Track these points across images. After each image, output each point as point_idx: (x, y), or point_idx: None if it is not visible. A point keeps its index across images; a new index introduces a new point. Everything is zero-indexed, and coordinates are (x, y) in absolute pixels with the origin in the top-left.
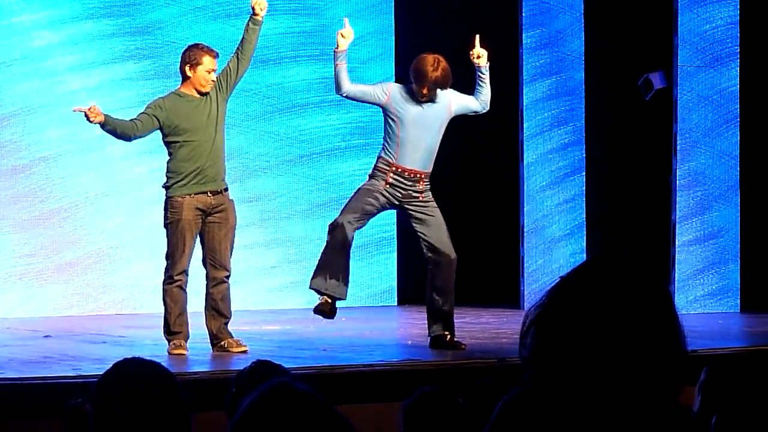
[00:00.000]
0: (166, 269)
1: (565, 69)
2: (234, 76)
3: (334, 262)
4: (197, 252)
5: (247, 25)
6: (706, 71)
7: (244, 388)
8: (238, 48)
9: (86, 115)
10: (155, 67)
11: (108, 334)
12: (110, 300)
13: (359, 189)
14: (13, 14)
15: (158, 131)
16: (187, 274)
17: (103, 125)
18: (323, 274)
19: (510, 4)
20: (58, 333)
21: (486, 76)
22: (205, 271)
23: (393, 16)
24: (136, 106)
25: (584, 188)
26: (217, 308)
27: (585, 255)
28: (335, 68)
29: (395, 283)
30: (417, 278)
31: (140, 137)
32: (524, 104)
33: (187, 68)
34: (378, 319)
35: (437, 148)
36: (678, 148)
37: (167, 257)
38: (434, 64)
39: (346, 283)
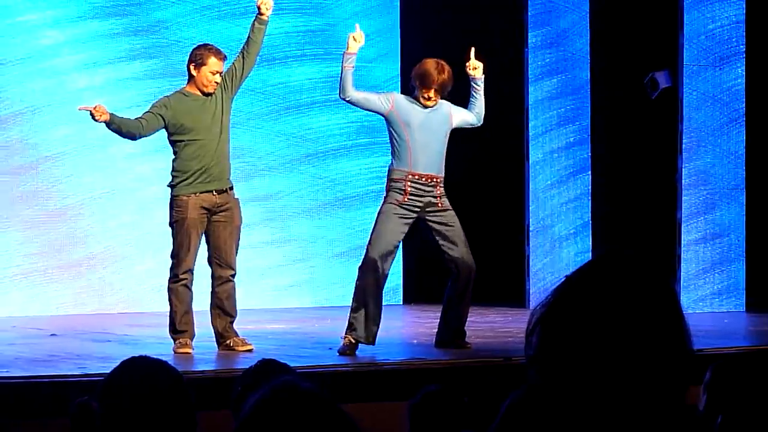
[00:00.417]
0: (172, 268)
1: (570, 68)
2: (239, 75)
3: (368, 314)
4: (203, 251)
5: (253, 24)
6: (712, 70)
7: (249, 387)
8: (243, 47)
9: (92, 114)
10: (161, 66)
11: (113, 333)
12: (116, 299)
13: (380, 213)
14: (19, 13)
15: (164, 130)
16: (192, 273)
17: (108, 124)
18: (357, 324)
19: (515, 3)
20: (64, 331)
21: (481, 88)
22: (210, 270)
23: (399, 16)
24: (141, 105)
25: (589, 187)
26: (223, 307)
27: (590, 254)
28: (342, 70)
29: (401, 282)
30: (422, 277)
31: (146, 136)
32: (529, 103)
33: (192, 67)
34: (383, 318)
35: (445, 154)
36: (683, 147)
37: (172, 256)
38: (438, 67)
39: (376, 330)
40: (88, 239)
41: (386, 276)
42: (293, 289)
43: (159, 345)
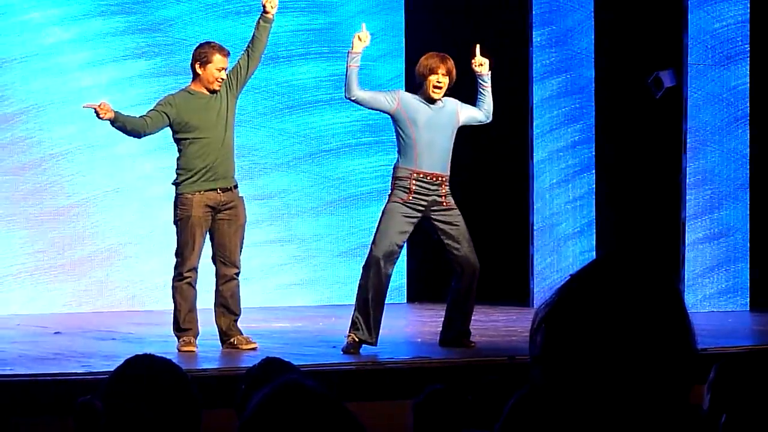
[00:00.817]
0: (176, 266)
1: (575, 67)
2: (244, 73)
3: (370, 313)
4: (207, 249)
5: (258, 22)
6: (717, 69)
7: (253, 386)
8: (248, 46)
9: (96, 112)
10: (166, 65)
11: (118, 331)
12: (120, 297)
13: (385, 212)
14: (24, 11)
15: (168, 128)
16: (196, 271)
17: (113, 122)
18: (360, 324)
19: (520, 1)
20: (68, 330)
21: (488, 85)
22: (214, 268)
23: (403, 14)
24: (146, 103)
25: (594, 186)
26: (227, 305)
27: (594, 253)
28: (347, 69)
29: (404, 281)
30: (426, 276)
31: (150, 134)
32: (534, 102)
33: (197, 66)
34: (387, 317)
35: (451, 152)
36: (688, 146)
37: (177, 254)
38: (441, 56)
39: (378, 329)
40: (93, 237)
41: (390, 275)
42: (297, 287)
43: (163, 343)
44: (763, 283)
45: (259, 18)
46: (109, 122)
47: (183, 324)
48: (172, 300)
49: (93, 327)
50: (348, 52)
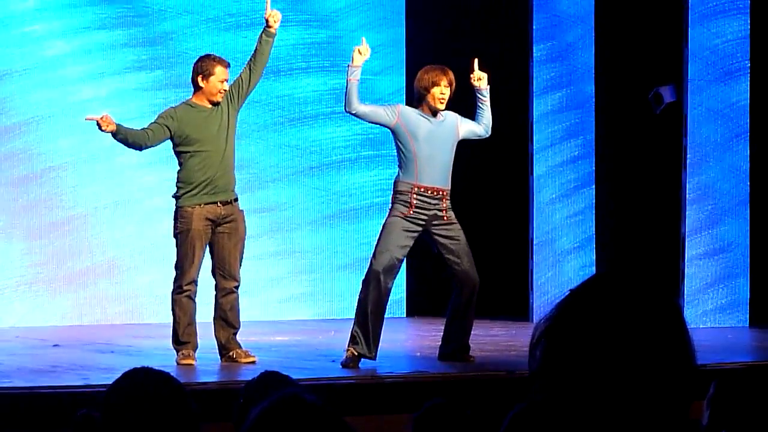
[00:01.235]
0: (176, 279)
1: (575, 82)
2: (246, 87)
3: (370, 327)
4: (207, 262)
5: (261, 36)
6: (717, 85)
7: (251, 399)
8: (250, 59)
9: (98, 124)
10: (167, 77)
11: (117, 344)
12: (119, 309)
13: (385, 226)
14: (26, 23)
15: (169, 141)
16: (196, 284)
17: (115, 134)
18: (359, 338)
19: (521, 16)
20: (67, 342)
21: (487, 99)
22: (214, 281)
23: (404, 29)
24: (147, 116)
25: (594, 201)
26: (226, 318)
27: (594, 268)
28: (347, 83)
29: (404, 295)
30: (426, 290)
31: (152, 146)
32: (534, 117)
33: (199, 79)
34: (387, 331)
35: (452, 166)
36: (688, 161)
37: (176, 267)
38: (441, 68)
39: (377, 344)
40: (93, 249)
41: (390, 289)
42: (297, 301)
43: (162, 356)
44: (763, 299)
45: (262, 32)
46: (110, 135)
47: (182, 337)
48: (171, 313)
49: (92, 339)
50: (348, 66)
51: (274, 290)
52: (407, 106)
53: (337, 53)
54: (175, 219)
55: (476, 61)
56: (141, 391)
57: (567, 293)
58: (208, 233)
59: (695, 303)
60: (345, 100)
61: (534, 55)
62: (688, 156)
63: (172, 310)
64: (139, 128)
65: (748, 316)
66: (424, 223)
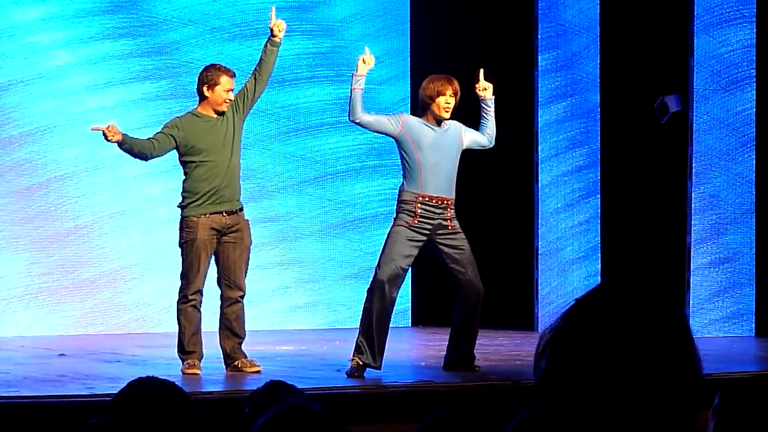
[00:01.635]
0: (181, 289)
1: (580, 91)
2: (251, 96)
3: (375, 337)
4: (212, 271)
5: (266, 46)
6: (722, 94)
7: (256, 409)
8: (255, 69)
9: (104, 134)
10: (172, 87)
11: (122, 353)
12: (124, 319)
13: (390, 235)
14: (31, 34)
15: (175, 151)
16: (201, 294)
17: (120, 144)
18: (364, 348)
19: (525, 26)
20: (73, 352)
21: (491, 110)
22: (219, 291)
23: (409, 38)
24: (152, 125)
25: (599, 211)
26: (231, 328)
27: (599, 277)
28: (352, 92)
29: (409, 305)
30: (431, 299)
31: (157, 156)
32: (539, 126)
33: (204, 88)
34: (391, 341)
35: (456, 175)
36: (693, 171)
37: (182, 277)
38: (447, 77)
39: (382, 353)
40: (98, 259)
41: (395, 299)
42: (302, 310)
43: (168, 366)
44: None
45: (267, 41)
46: (116, 144)
47: (187, 346)
48: (176, 322)
49: (97, 349)
50: (352, 75)
51: (279, 300)
52: (411, 116)
53: (341, 63)
54: (181, 229)
55: (482, 71)
56: (146, 400)
57: (572, 303)
58: (213, 243)
59: (701, 312)
60: (349, 109)
61: (539, 64)
62: (693, 165)
63: (178, 319)
64: (145, 138)
65: (753, 325)
66: (428, 232)
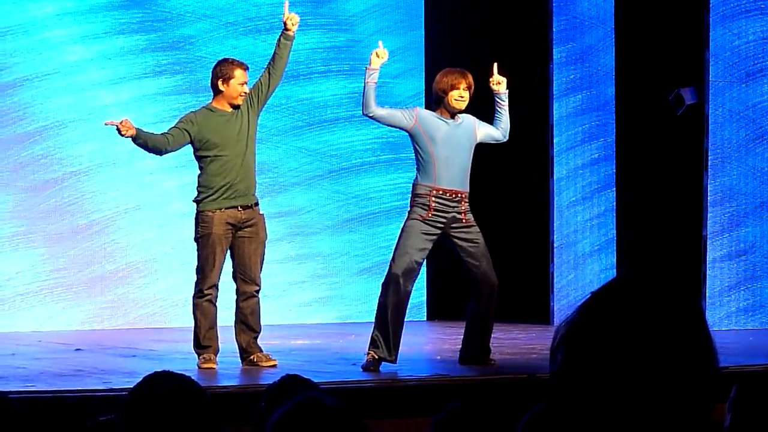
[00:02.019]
0: (196, 283)
1: (595, 84)
2: (266, 91)
3: (390, 331)
4: (227, 266)
5: (279, 40)
6: (738, 86)
7: (272, 403)
8: (269, 63)
9: (118, 129)
10: (186, 82)
11: (138, 348)
12: (140, 314)
13: (404, 229)
14: (46, 29)
15: (189, 145)
16: (217, 288)
17: (134, 139)
18: (379, 342)
19: (540, 18)
20: (89, 346)
21: (505, 104)
22: (235, 286)
23: (423, 32)
24: (167, 120)
25: (614, 204)
26: (247, 322)
27: (615, 271)
28: (365, 86)
29: (425, 298)
30: (446, 293)
31: (171, 151)
32: (554, 119)
33: (219, 83)
34: (407, 335)
35: (470, 169)
36: (709, 163)
37: (197, 271)
38: (461, 71)
39: (397, 347)
40: (114, 254)
41: (409, 293)
42: (317, 304)
43: (183, 360)
44: None
45: (280, 35)
46: (130, 139)
47: (203, 341)
48: (192, 317)
49: (113, 344)
50: (366, 69)
51: (294, 294)
52: (425, 109)
53: (356, 57)
54: (196, 223)
55: (496, 65)
56: (162, 394)
57: (588, 296)
58: (228, 237)
59: (717, 305)
60: (362, 102)
61: (554, 57)
62: (709, 158)
63: (193, 314)
64: (159, 133)
65: None
66: (442, 225)
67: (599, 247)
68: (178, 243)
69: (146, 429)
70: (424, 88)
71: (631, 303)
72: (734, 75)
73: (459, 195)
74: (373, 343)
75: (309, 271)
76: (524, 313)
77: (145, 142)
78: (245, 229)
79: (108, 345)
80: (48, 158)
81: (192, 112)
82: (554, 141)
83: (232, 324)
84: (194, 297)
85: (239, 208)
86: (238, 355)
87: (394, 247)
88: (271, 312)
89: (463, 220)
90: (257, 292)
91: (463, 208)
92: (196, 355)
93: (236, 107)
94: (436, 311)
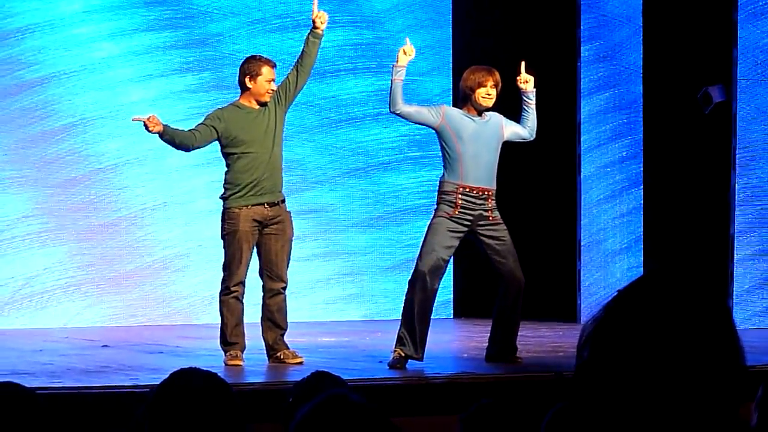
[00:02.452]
0: (223, 280)
1: (623, 82)
2: (293, 88)
3: (416, 329)
4: (254, 263)
5: (308, 38)
6: (766, 85)
7: (300, 399)
8: (297, 61)
9: (145, 125)
10: (213, 79)
11: (165, 345)
12: (167, 310)
13: (431, 227)
14: (74, 26)
15: (216, 142)
16: (244, 285)
17: (161, 135)
18: (406, 339)
19: (568, 16)
20: (116, 343)
21: (532, 102)
22: (261, 283)
23: (451, 30)
24: (194, 117)
25: (642, 202)
26: (274, 319)
27: (642, 269)
28: (392, 83)
29: (451, 296)
30: (473, 291)
31: (199, 148)
32: (582, 117)
33: (247, 80)
34: (434, 332)
35: (497, 166)
36: (737, 162)
37: (224, 268)
38: (488, 68)
39: (424, 345)
40: (141, 251)
41: (436, 290)
42: (343, 302)
43: (210, 357)
44: None
45: (309, 33)
46: (157, 135)
47: (230, 338)
48: (219, 314)
49: (140, 340)
50: (393, 66)
51: (320, 291)
52: (452, 107)
53: (383, 54)
54: (223, 220)
55: (523, 63)
56: (188, 391)
57: (615, 294)
58: (255, 234)
59: (744, 304)
60: (389, 100)
61: (582, 55)
62: (737, 156)
63: (220, 311)
64: (187, 129)
65: None
66: (469, 223)
67: (626, 246)
68: (205, 240)
69: (172, 425)
70: (451, 85)
71: (658, 301)
72: (762, 73)
73: (486, 192)
74: (400, 341)
75: (335, 269)
76: (551, 312)
77: (172, 138)
78: (272, 226)
79: (135, 342)
80: (75, 155)
81: (219, 108)
82: (581, 139)
83: (259, 321)
84: (221, 294)
85: (266, 205)
86: (265, 352)
87: (420, 245)
88: (297, 309)
89: (490, 218)
90: (284, 289)
91: (489, 205)
92: (222, 352)
93: (263, 104)
94: (463, 309)
